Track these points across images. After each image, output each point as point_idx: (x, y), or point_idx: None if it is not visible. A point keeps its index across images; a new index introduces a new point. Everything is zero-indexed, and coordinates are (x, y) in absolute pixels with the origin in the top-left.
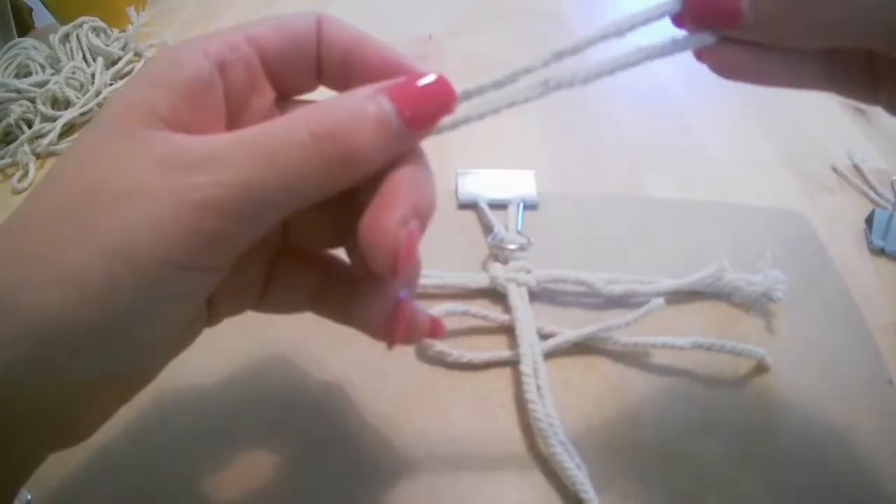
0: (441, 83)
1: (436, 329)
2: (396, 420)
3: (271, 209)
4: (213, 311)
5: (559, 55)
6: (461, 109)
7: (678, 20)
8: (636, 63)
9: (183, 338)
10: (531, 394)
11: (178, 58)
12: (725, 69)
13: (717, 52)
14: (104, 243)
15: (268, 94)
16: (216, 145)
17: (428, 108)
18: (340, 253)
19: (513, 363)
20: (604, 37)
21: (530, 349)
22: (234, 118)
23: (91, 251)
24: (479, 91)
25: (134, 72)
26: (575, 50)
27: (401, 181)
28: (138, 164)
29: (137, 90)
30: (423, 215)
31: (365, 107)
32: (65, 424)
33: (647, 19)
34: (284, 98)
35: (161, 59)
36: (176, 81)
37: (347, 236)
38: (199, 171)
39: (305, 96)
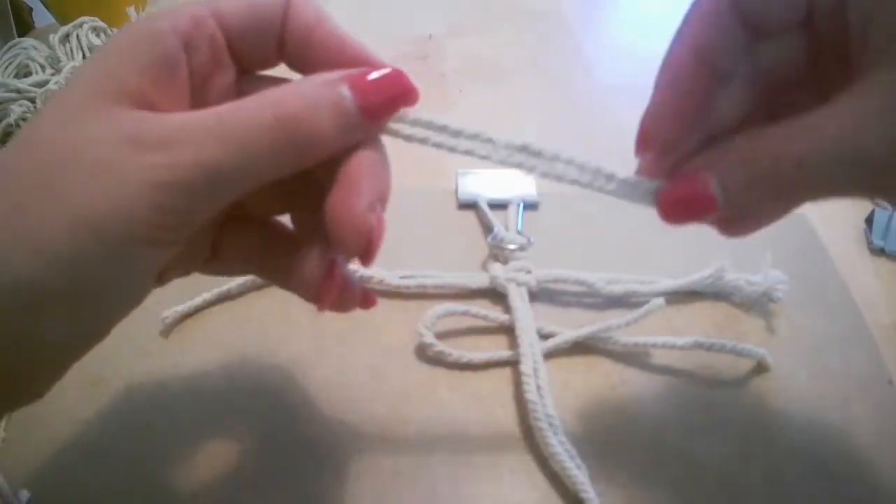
0: (399, 76)
1: (366, 299)
2: (396, 420)
3: (229, 188)
4: (163, 274)
5: (524, 149)
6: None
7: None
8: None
9: (136, 300)
10: (531, 394)
11: (148, 34)
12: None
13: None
14: (73, 215)
15: (230, 70)
16: (179, 125)
17: (384, 100)
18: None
19: (513, 363)
20: (572, 181)
21: (530, 349)
22: (198, 94)
23: (60, 222)
24: (432, 126)
25: (121, 30)
26: (541, 155)
27: (363, 168)
28: (106, 140)
29: (107, 65)
30: (384, 201)
31: (325, 93)
32: (23, 384)
33: (623, 194)
34: (246, 73)
35: (131, 34)
36: (145, 59)
37: (295, 204)
38: (162, 149)
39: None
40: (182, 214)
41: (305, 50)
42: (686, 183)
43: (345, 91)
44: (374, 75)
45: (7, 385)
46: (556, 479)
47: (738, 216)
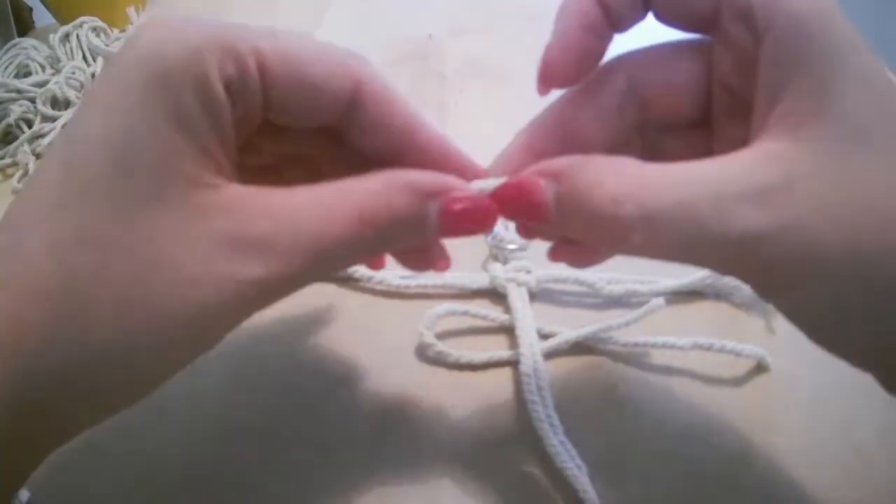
0: (490, 211)
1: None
2: (396, 420)
3: (302, 286)
4: None
5: None
6: None
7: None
8: None
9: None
10: (531, 394)
11: (199, 85)
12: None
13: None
14: (170, 325)
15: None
16: (271, 228)
17: (463, 229)
18: None
19: (513, 363)
20: None
21: (530, 349)
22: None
23: (156, 330)
24: None
25: (144, 56)
26: None
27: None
28: (204, 247)
29: (171, 135)
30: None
31: (415, 211)
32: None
33: None
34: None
35: (177, 82)
36: (209, 123)
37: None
38: (257, 257)
39: None
40: (251, 313)
41: (363, 131)
42: (524, 185)
43: (432, 213)
44: (466, 199)
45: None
46: (556, 479)
47: (582, 240)
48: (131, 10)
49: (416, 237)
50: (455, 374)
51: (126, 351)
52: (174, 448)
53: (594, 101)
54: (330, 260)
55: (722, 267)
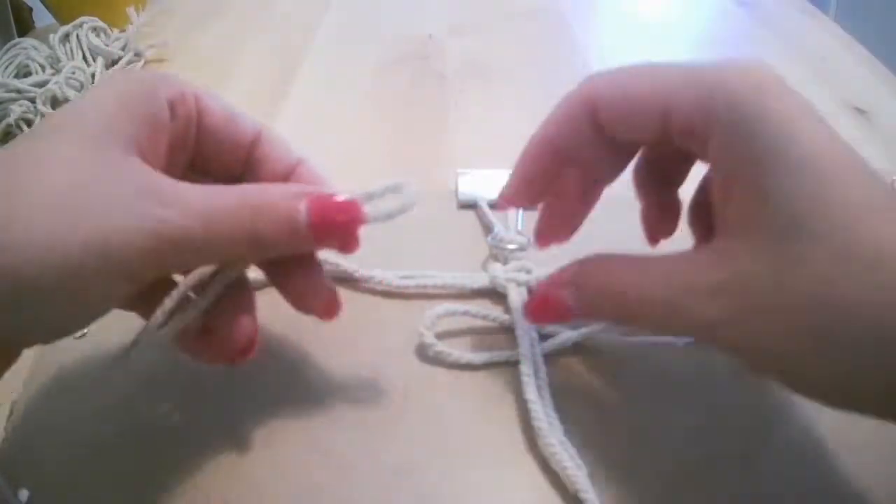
0: (351, 207)
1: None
2: (396, 420)
3: (192, 257)
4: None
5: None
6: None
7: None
8: None
9: (96, 316)
10: (531, 394)
11: (145, 91)
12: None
13: None
14: (86, 239)
15: (187, 153)
16: (179, 192)
17: (331, 225)
18: None
19: (513, 363)
20: None
21: (530, 349)
22: (166, 159)
23: (75, 242)
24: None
25: (119, 77)
26: None
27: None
28: (124, 184)
29: (111, 111)
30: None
31: (286, 206)
32: None
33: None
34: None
35: (130, 88)
36: (143, 113)
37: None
38: (166, 207)
39: None
40: (161, 260)
41: (260, 174)
42: (550, 299)
43: (302, 209)
44: (331, 199)
45: None
46: (557, 479)
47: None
48: (131, 10)
49: (288, 229)
50: (455, 374)
51: (42, 248)
52: (175, 448)
53: (571, 132)
54: (218, 229)
55: (703, 344)
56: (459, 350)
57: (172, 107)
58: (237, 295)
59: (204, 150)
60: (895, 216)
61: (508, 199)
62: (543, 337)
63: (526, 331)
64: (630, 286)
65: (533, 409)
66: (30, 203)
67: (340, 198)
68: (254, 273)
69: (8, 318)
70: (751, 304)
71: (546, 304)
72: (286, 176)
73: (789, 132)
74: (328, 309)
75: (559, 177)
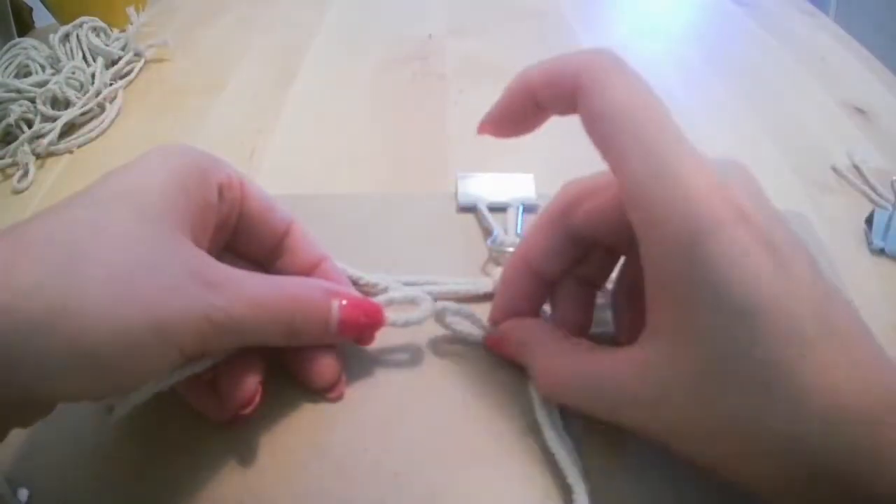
0: (376, 312)
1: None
2: (397, 420)
3: (234, 341)
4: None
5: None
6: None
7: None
8: None
9: (145, 381)
10: (534, 391)
11: (200, 175)
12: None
13: None
14: (143, 317)
15: (227, 232)
16: (229, 279)
17: (358, 328)
18: None
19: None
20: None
21: None
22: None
23: (132, 317)
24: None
25: (173, 151)
26: None
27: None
28: (179, 268)
29: (178, 199)
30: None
31: (322, 306)
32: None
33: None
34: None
35: (195, 173)
36: (197, 199)
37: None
38: (218, 293)
39: None
40: (206, 344)
41: (288, 263)
42: (496, 341)
43: (335, 307)
44: (359, 300)
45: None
46: (558, 479)
47: None
48: (131, 10)
49: (320, 328)
50: (456, 373)
51: (102, 319)
52: (175, 448)
53: (546, 248)
54: (263, 319)
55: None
56: (463, 351)
57: (221, 191)
58: (246, 354)
59: (241, 234)
60: (826, 351)
61: (498, 316)
62: None
63: None
64: (555, 383)
65: (539, 408)
66: (91, 274)
67: (369, 302)
68: None
69: (57, 379)
70: (676, 421)
71: (499, 347)
72: (311, 269)
73: (715, 263)
74: (332, 389)
75: (539, 293)
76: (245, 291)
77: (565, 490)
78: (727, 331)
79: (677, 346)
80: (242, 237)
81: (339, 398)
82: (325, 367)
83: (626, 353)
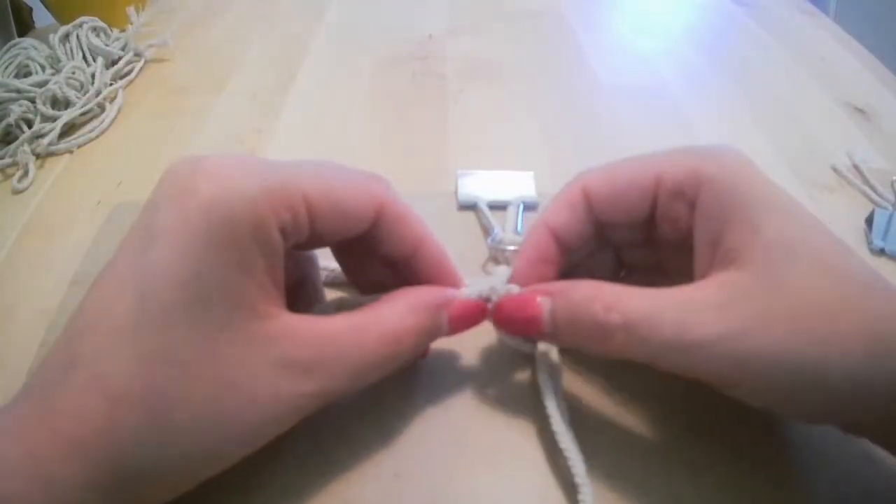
0: (482, 312)
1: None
2: (397, 420)
3: (340, 400)
4: None
5: None
6: None
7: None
8: None
9: None
10: (544, 387)
11: (257, 230)
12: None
13: None
14: (239, 435)
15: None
16: (317, 351)
17: (466, 327)
18: None
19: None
20: None
21: (547, 346)
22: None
23: (225, 439)
24: None
25: (220, 212)
26: None
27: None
28: (266, 370)
29: (240, 284)
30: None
31: (432, 325)
32: None
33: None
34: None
35: (241, 233)
36: (261, 264)
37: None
38: (307, 377)
39: None
40: (307, 414)
41: (381, 242)
42: (522, 301)
43: (444, 322)
44: (465, 306)
45: None
46: (559, 478)
47: (568, 344)
48: (131, 10)
49: (433, 340)
50: (458, 372)
51: (200, 457)
52: None
53: (570, 224)
54: (368, 374)
55: (683, 368)
56: (463, 350)
57: (285, 233)
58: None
59: (316, 241)
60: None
61: (522, 279)
62: None
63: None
64: (622, 302)
65: (546, 398)
66: (179, 428)
67: (473, 303)
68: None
69: (144, 489)
70: (750, 318)
71: (516, 307)
72: (410, 256)
73: (766, 186)
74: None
75: (560, 261)
76: (340, 358)
77: (567, 490)
78: (785, 225)
79: (746, 255)
80: (319, 241)
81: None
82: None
83: (691, 284)
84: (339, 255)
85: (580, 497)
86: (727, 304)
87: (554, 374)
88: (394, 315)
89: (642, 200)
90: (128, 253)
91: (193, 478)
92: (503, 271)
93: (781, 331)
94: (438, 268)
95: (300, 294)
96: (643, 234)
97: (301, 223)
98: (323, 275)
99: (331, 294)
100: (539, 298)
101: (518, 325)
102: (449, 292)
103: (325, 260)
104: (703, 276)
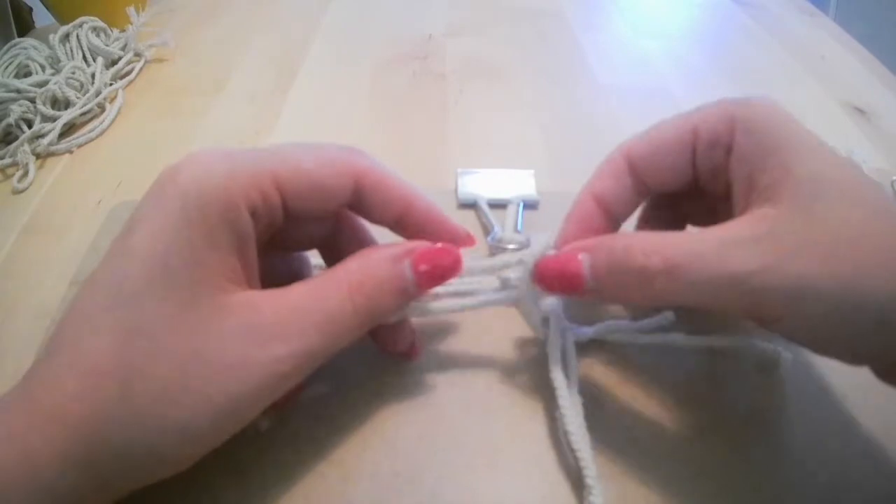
0: (449, 254)
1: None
2: (398, 417)
3: (317, 364)
4: None
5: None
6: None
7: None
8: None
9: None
10: (558, 384)
11: (226, 211)
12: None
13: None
14: (214, 407)
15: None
16: (286, 316)
17: (436, 275)
18: None
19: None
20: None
21: (560, 338)
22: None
23: (201, 412)
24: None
25: (188, 190)
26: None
27: None
28: (230, 338)
29: (197, 250)
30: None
31: (393, 274)
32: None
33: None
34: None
35: (220, 214)
36: (230, 242)
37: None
38: (279, 341)
39: None
40: (277, 390)
41: (370, 210)
42: (563, 259)
43: (407, 271)
44: (427, 253)
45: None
46: (560, 479)
47: (610, 297)
48: (131, 10)
49: (400, 294)
50: (460, 370)
51: (173, 431)
52: None
53: (615, 191)
54: (338, 329)
55: (726, 304)
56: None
57: (255, 214)
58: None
59: (290, 226)
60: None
61: (564, 244)
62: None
63: (555, 321)
64: (662, 246)
65: (559, 394)
66: (146, 398)
67: (441, 248)
68: None
69: (119, 475)
70: (789, 248)
71: (558, 265)
72: (401, 219)
73: (798, 129)
74: (410, 352)
75: (605, 228)
76: (311, 318)
77: (574, 489)
78: (818, 165)
79: (781, 193)
80: (293, 226)
81: (417, 357)
82: (403, 331)
83: (729, 221)
84: (325, 254)
85: (591, 499)
86: (764, 238)
87: (570, 370)
88: (347, 270)
89: (683, 157)
90: (114, 244)
91: (172, 456)
92: (544, 237)
93: (818, 260)
94: (433, 224)
95: None
96: (691, 192)
97: (272, 202)
98: (315, 273)
99: None
100: (580, 255)
101: (561, 283)
102: (412, 243)
103: (317, 258)
104: (742, 211)
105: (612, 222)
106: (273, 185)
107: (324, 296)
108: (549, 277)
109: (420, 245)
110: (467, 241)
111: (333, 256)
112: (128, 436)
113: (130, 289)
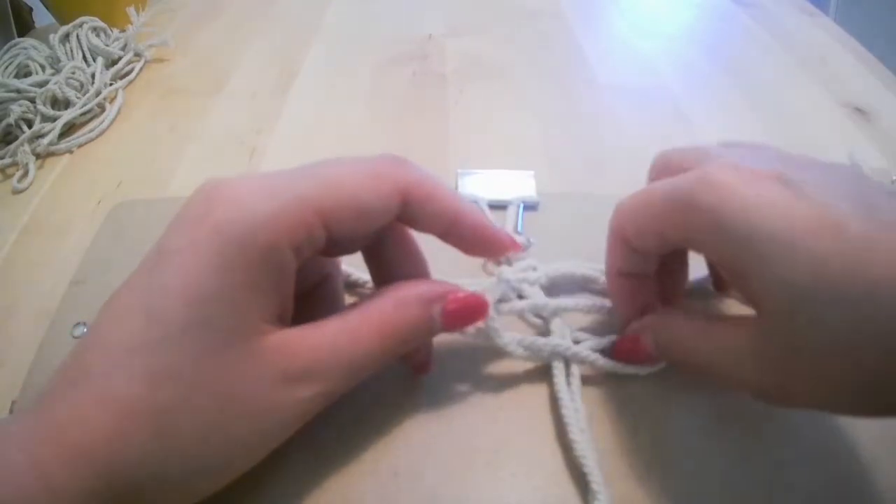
0: (481, 305)
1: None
2: (398, 417)
3: (345, 389)
4: None
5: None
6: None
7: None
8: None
9: None
10: (560, 384)
11: (271, 258)
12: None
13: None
14: (247, 447)
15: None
16: (314, 356)
17: (463, 323)
18: None
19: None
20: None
21: (562, 340)
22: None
23: (235, 454)
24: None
25: (231, 237)
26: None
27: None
28: (264, 383)
29: (242, 295)
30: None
31: (422, 318)
32: None
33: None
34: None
35: (252, 256)
36: (273, 287)
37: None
38: (307, 383)
39: None
40: (309, 417)
41: (417, 222)
42: (631, 339)
43: (436, 316)
44: (459, 299)
45: None
46: (564, 480)
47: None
48: (131, 10)
49: (427, 335)
50: (460, 372)
51: (205, 472)
52: None
53: (626, 258)
54: (363, 370)
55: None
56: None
57: (298, 250)
58: None
59: (340, 244)
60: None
61: (625, 323)
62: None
63: (558, 323)
64: (692, 350)
65: (562, 400)
66: (189, 414)
67: (470, 297)
68: None
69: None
70: (783, 367)
71: (635, 345)
72: (448, 232)
73: (756, 222)
74: (423, 367)
75: (644, 288)
76: (336, 360)
77: (574, 491)
78: (785, 280)
79: (764, 311)
80: (337, 246)
81: (428, 373)
82: (421, 348)
83: (744, 322)
84: (368, 255)
85: None
86: (761, 355)
87: (572, 379)
88: (382, 312)
89: (661, 238)
90: (141, 272)
91: (196, 492)
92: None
93: (805, 380)
94: (481, 235)
95: (320, 294)
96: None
97: (316, 235)
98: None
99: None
100: (643, 339)
101: (638, 359)
102: (444, 286)
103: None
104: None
105: (648, 280)
106: (318, 219)
107: (356, 338)
108: (626, 353)
109: (451, 291)
110: (513, 247)
111: (376, 260)
112: (159, 479)
113: (164, 331)
